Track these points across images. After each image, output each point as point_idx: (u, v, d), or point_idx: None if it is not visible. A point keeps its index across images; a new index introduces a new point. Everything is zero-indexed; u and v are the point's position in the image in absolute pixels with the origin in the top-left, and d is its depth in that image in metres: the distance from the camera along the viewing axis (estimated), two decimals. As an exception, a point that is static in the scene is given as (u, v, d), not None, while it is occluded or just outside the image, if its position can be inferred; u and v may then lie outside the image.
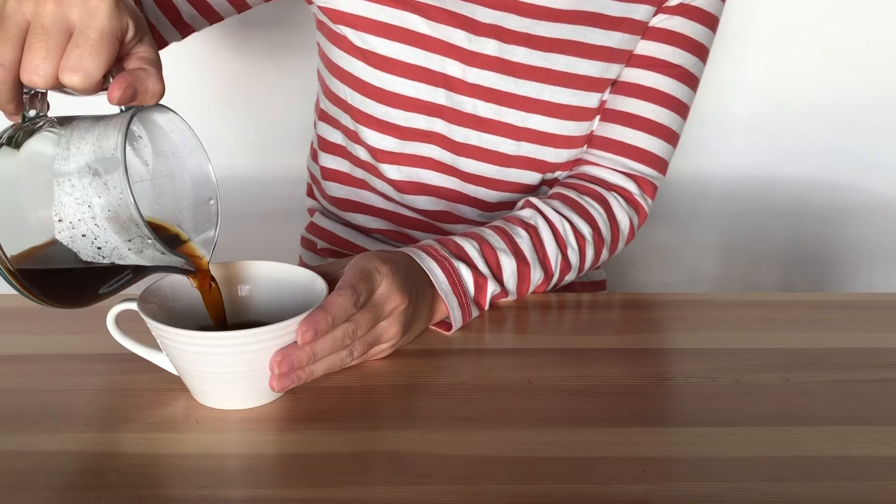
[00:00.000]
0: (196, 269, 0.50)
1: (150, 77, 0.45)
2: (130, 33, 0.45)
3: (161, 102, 0.47)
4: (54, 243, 0.44)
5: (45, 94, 0.47)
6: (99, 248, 0.45)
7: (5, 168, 0.45)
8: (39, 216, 0.44)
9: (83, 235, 0.44)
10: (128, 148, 0.46)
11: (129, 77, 0.44)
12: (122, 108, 0.45)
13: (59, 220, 0.44)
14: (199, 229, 0.51)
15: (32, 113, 0.46)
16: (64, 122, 0.46)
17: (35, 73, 0.42)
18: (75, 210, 0.44)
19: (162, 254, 0.45)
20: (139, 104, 0.45)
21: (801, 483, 0.46)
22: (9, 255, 0.44)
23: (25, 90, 0.45)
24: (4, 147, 0.45)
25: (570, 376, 0.57)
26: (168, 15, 0.77)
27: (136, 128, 0.48)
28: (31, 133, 0.45)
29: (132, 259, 0.46)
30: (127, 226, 0.44)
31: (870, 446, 0.50)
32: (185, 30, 0.79)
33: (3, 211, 0.44)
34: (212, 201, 0.51)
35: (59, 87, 0.44)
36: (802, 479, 0.46)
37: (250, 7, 0.80)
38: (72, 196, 0.43)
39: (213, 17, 0.79)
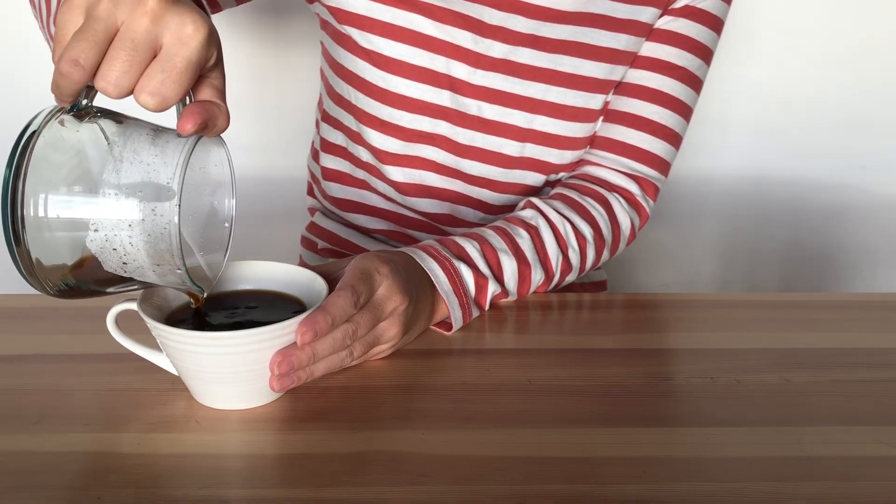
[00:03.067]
0: (202, 292, 0.50)
1: (221, 114, 0.45)
2: (211, 62, 0.45)
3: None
4: (91, 259, 0.44)
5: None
6: (125, 263, 0.44)
7: (63, 140, 0.44)
8: (76, 219, 0.43)
9: (114, 249, 0.44)
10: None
11: (203, 112, 0.44)
12: (193, 140, 0.44)
13: (96, 231, 0.43)
14: (204, 248, 0.51)
15: (84, 102, 0.45)
16: (114, 118, 0.45)
17: (111, 85, 0.42)
18: (114, 225, 0.43)
19: (181, 280, 0.46)
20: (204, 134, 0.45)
21: (801, 483, 0.46)
22: (30, 243, 0.44)
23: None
24: (67, 117, 0.44)
25: (570, 376, 0.57)
26: None
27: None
28: (81, 118, 0.45)
29: (152, 278, 0.46)
30: (161, 253, 0.44)
31: (870, 446, 0.50)
32: None
33: (44, 192, 0.43)
34: (227, 224, 0.51)
35: None
36: (802, 479, 0.46)
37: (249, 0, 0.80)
38: (115, 211, 0.43)
39: (212, 5, 0.79)
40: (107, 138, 0.44)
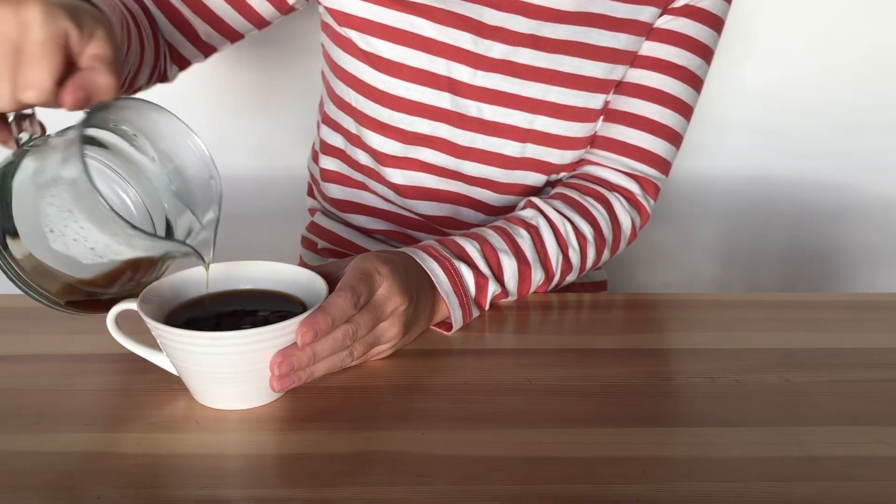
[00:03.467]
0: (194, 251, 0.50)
1: (98, 74, 0.45)
2: (74, 35, 0.44)
3: (154, 102, 0.47)
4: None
5: (32, 116, 0.47)
6: (92, 248, 0.45)
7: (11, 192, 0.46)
8: (35, 232, 0.45)
9: (74, 240, 0.44)
10: (132, 148, 0.46)
11: (76, 80, 0.44)
12: (87, 111, 0.45)
13: (51, 231, 0.44)
14: (203, 208, 0.52)
15: (24, 136, 0.46)
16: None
17: None
18: (59, 218, 0.44)
19: (150, 241, 0.46)
20: (97, 101, 0.45)
21: (801, 483, 0.46)
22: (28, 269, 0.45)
23: (8, 116, 0.45)
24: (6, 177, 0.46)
25: (570, 376, 0.57)
26: (183, 31, 0.77)
27: (128, 126, 0.48)
28: (23, 156, 0.46)
29: (127, 253, 0.46)
30: (107, 222, 0.44)
31: (870, 446, 0.50)
32: (205, 49, 0.80)
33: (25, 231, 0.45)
34: (212, 181, 0.51)
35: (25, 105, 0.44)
36: (802, 479, 0.46)
37: (269, 23, 0.80)
38: (53, 206, 0.44)
39: (230, 33, 0.80)
40: (36, 154, 0.46)
